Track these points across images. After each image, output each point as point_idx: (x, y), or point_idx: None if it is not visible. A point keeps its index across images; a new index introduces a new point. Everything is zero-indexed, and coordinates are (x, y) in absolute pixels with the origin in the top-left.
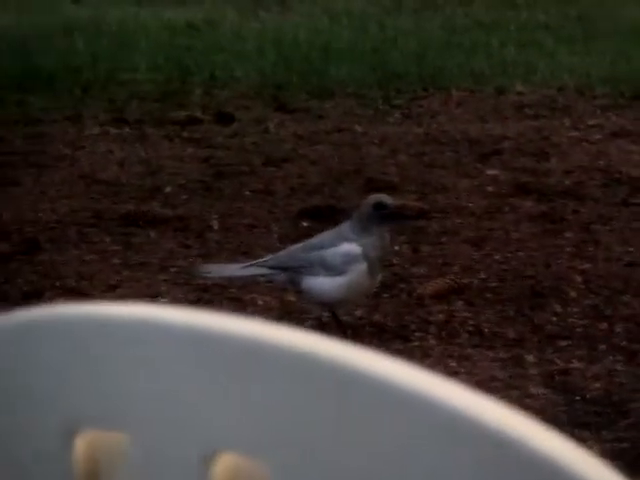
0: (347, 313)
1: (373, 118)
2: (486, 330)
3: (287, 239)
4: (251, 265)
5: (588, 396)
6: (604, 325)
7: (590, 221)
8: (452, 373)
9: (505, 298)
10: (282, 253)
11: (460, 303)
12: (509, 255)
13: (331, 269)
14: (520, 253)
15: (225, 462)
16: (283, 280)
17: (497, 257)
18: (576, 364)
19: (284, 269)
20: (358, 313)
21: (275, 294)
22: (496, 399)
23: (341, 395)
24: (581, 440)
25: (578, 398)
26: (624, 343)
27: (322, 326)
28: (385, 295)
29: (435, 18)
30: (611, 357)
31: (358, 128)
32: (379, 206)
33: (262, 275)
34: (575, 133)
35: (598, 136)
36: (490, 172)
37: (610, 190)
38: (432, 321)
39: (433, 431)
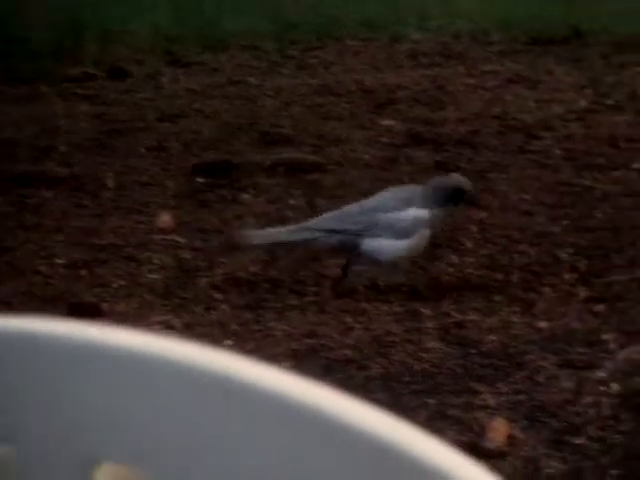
0: (242, 269)
1: (267, 70)
2: (381, 284)
3: (182, 195)
4: (298, 229)
5: (484, 349)
6: (500, 275)
7: (486, 169)
8: (348, 328)
9: None
10: (330, 215)
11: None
12: None
13: (398, 232)
14: None
15: (106, 471)
16: (334, 242)
17: None
18: (472, 316)
19: (338, 232)
20: (253, 269)
21: (170, 252)
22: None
23: (224, 403)
24: (477, 393)
25: (474, 351)
26: (520, 293)
27: (217, 286)
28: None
29: None
30: (507, 308)
31: (252, 80)
32: (458, 190)
33: (312, 239)
34: (470, 80)
35: (493, 83)
36: (385, 122)
37: (505, 137)
38: (327, 275)
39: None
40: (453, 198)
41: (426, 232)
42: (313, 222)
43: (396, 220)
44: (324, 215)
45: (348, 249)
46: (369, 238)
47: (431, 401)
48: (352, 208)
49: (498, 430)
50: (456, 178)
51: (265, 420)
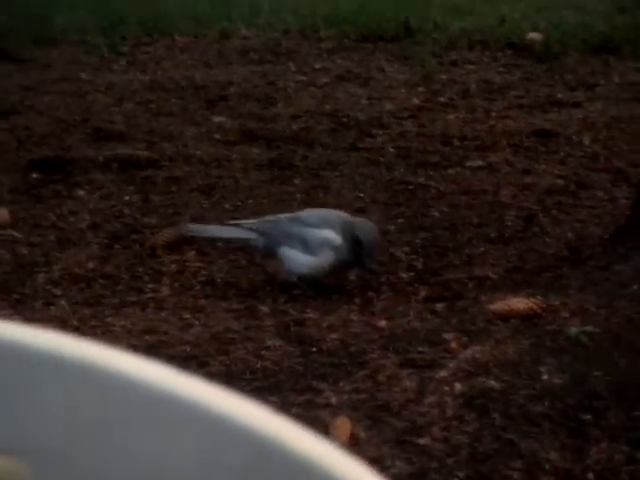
0: (78, 265)
1: (99, 66)
2: (219, 280)
3: (18, 191)
4: (234, 226)
5: (324, 347)
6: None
7: (319, 167)
8: (187, 325)
9: (237, 247)
10: (268, 218)
11: (192, 253)
12: (239, 203)
13: (307, 247)
14: (250, 201)
15: None
16: (261, 245)
17: (227, 205)
18: (311, 314)
19: (265, 235)
20: (90, 265)
21: (7, 247)
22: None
23: (100, 396)
24: (319, 391)
25: (314, 349)
26: (357, 292)
27: (55, 281)
28: (117, 246)
29: None
30: (346, 306)
31: (84, 76)
32: (357, 238)
33: (243, 238)
34: (301, 77)
35: (324, 80)
36: (217, 119)
37: (338, 135)
38: (165, 272)
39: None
40: (357, 242)
41: (331, 255)
42: (249, 223)
43: (310, 236)
44: (263, 218)
45: (271, 253)
46: (286, 247)
47: (273, 399)
48: (285, 217)
49: (341, 429)
50: (362, 226)
51: (135, 408)
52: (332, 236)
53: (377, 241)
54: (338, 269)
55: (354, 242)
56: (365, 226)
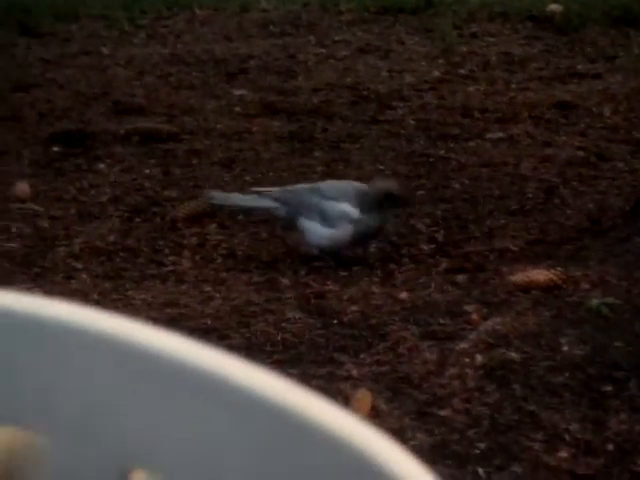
0: (99, 238)
1: (119, 40)
2: (240, 253)
3: (38, 165)
4: (256, 194)
5: (345, 319)
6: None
7: (339, 139)
8: (208, 298)
9: (258, 220)
10: (289, 188)
11: (213, 226)
12: (260, 176)
13: (326, 219)
14: (271, 174)
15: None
16: (283, 214)
17: (247, 178)
18: (331, 286)
19: (286, 204)
20: (111, 238)
21: (29, 220)
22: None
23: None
24: (340, 364)
25: (335, 322)
26: (378, 264)
27: (76, 255)
28: (137, 219)
29: None
30: (367, 279)
31: (104, 50)
32: (388, 195)
33: (264, 207)
34: (321, 50)
35: (345, 52)
36: (237, 92)
37: (358, 107)
38: (186, 245)
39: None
40: (384, 203)
41: (349, 227)
42: (271, 192)
43: (328, 208)
44: (284, 187)
45: (292, 223)
46: (305, 218)
47: (293, 371)
48: (304, 187)
49: (362, 401)
50: (386, 185)
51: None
52: (350, 209)
53: (401, 189)
54: (358, 242)
55: (380, 202)
56: (380, 184)
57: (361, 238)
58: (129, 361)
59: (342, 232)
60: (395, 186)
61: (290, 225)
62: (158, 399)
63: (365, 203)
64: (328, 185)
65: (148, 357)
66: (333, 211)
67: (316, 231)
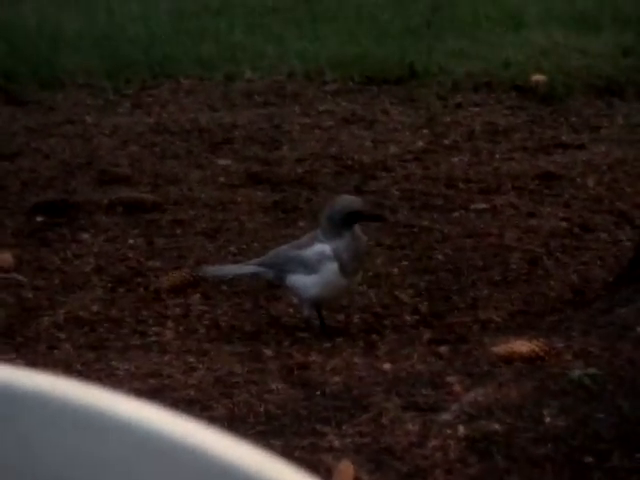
0: (83, 309)
1: (103, 109)
2: (223, 324)
3: (22, 234)
4: (247, 264)
5: (328, 390)
6: (341, 316)
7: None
8: (191, 369)
9: (241, 290)
10: (272, 252)
11: (197, 297)
12: (244, 246)
13: (307, 267)
14: (255, 244)
15: None
16: (272, 277)
17: (232, 248)
18: (315, 357)
19: (271, 267)
20: (94, 309)
21: (12, 290)
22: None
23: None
24: (322, 435)
25: (318, 393)
26: (361, 334)
27: (59, 325)
28: (121, 290)
29: (163, 2)
30: (349, 349)
31: (89, 119)
32: (350, 213)
33: (255, 273)
34: (306, 120)
35: (329, 122)
36: (221, 162)
37: (342, 178)
38: (169, 315)
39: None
40: (349, 222)
41: (333, 266)
42: (258, 259)
43: (304, 256)
44: (270, 252)
45: (280, 283)
46: (289, 273)
47: (276, 443)
48: (284, 247)
49: (344, 473)
50: (340, 202)
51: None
52: (322, 247)
53: (359, 203)
54: (357, 256)
55: (344, 222)
56: (336, 203)
57: (355, 256)
58: (110, 432)
59: (326, 275)
60: (359, 202)
61: (281, 285)
62: (138, 471)
63: (333, 228)
64: (305, 236)
65: (127, 429)
66: (310, 257)
67: (304, 283)
